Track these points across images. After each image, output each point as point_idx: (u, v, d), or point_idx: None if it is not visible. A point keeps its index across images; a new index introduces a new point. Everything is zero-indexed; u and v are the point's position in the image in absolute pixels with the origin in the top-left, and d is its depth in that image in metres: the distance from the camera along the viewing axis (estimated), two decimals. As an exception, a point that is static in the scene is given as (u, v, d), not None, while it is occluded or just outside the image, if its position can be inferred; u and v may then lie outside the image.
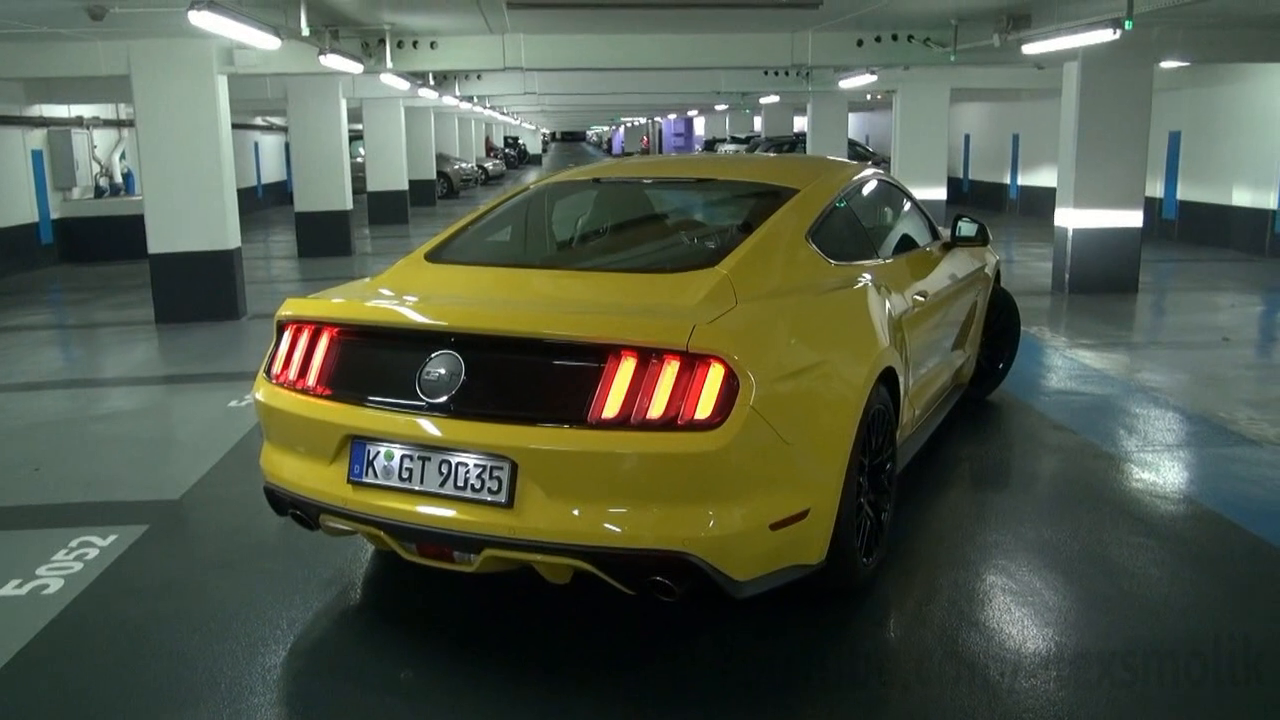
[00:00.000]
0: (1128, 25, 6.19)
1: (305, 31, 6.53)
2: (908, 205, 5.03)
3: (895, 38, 9.40)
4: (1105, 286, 9.96)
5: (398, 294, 3.47)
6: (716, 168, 4.68)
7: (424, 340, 3.08)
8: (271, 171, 25.35)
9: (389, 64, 8.79)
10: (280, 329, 3.44)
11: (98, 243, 14.31)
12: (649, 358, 2.84)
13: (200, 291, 9.17)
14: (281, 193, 24.77)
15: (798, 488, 3.07)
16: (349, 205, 14.44)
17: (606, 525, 2.84)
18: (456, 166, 27.62)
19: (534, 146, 58.36)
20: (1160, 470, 4.89)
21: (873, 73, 11.74)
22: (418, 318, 3.18)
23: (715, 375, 2.82)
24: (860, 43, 9.39)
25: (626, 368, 2.85)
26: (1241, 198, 13.67)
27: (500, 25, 8.54)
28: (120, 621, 3.55)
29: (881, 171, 4.78)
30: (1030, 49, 8.21)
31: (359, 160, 20.30)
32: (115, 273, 12.90)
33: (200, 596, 3.72)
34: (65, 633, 3.45)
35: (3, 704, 3.05)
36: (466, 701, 3.01)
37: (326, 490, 3.17)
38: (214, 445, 5.49)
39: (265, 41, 6.41)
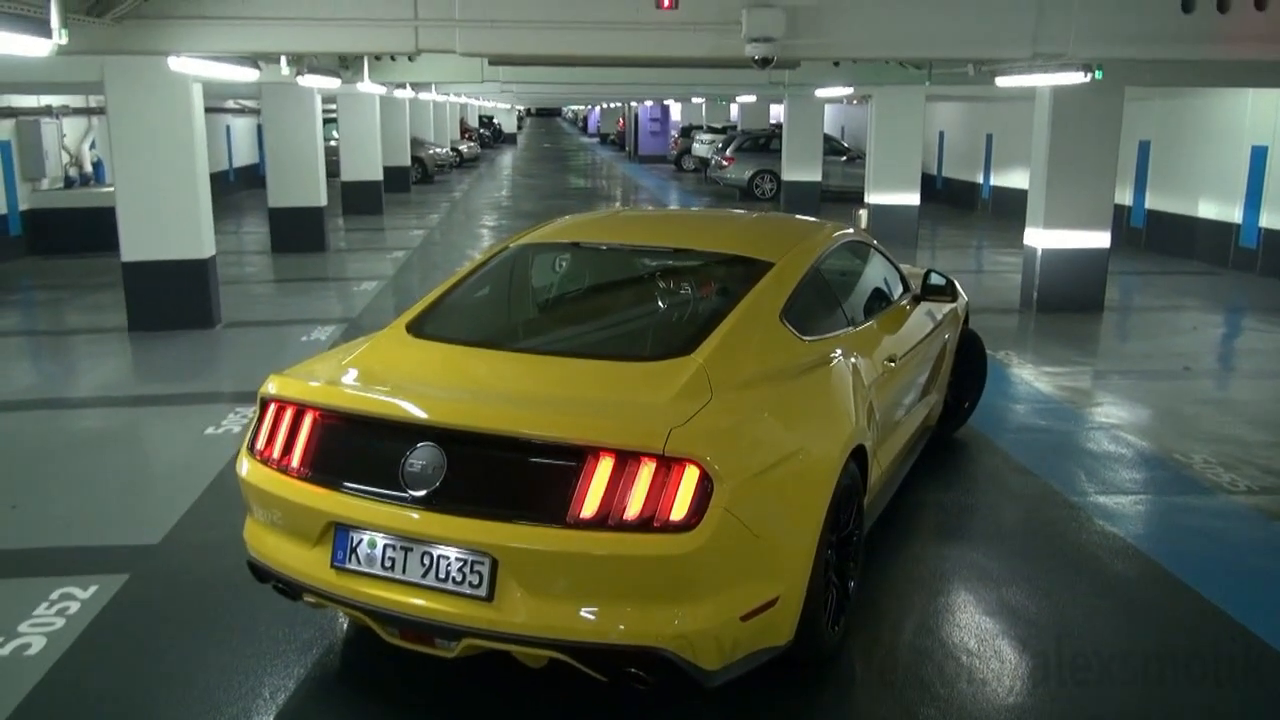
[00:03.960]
0: (1098, 74, 6.33)
1: (285, 70, 6.54)
2: (877, 260, 5.14)
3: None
4: (1072, 306, 10.16)
5: (381, 377, 3.54)
6: (693, 234, 4.75)
7: (408, 432, 3.16)
8: (244, 155, 25.07)
9: (366, 78, 8.76)
10: (263, 405, 3.50)
11: (67, 235, 14.14)
12: (626, 459, 2.94)
13: (174, 300, 9.14)
14: (253, 176, 24.51)
15: (768, 578, 3.18)
16: (323, 201, 14.37)
17: (582, 621, 2.95)
18: (431, 151, 27.43)
19: (509, 125, 57.96)
20: (1117, 521, 5.06)
21: (848, 84, 11.87)
22: (401, 408, 3.24)
23: (690, 477, 2.93)
24: (837, 63, 9.48)
25: (604, 468, 2.94)
26: (1208, 210, 13.93)
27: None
28: (105, 687, 3.62)
29: (851, 232, 4.88)
30: (1003, 82, 8.34)
31: (333, 144, 20.15)
32: (85, 268, 12.78)
33: (184, 659, 3.79)
34: (50, 699, 3.51)
35: (-10, 782, 3.13)
36: (445, 782, 3.12)
37: (310, 573, 3.25)
38: (191, 480, 5.53)
39: (245, 75, 6.41)
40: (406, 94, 15.07)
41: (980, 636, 3.95)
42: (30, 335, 9.81)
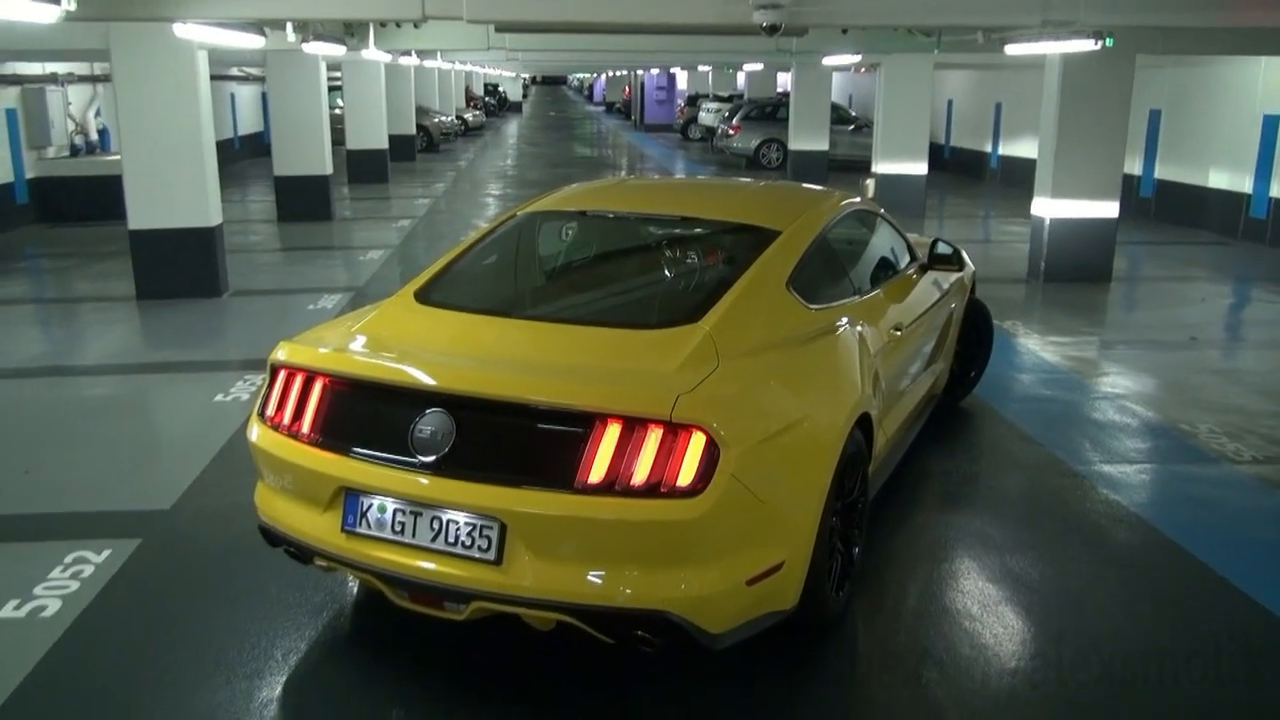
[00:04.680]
0: (1109, 42, 6.28)
1: (291, 37, 6.50)
2: (884, 230, 5.14)
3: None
4: (1079, 276, 10.13)
5: (389, 344, 3.56)
6: (700, 202, 4.76)
7: (417, 398, 3.19)
8: (248, 123, 24.99)
9: (371, 44, 8.72)
10: (273, 371, 3.52)
11: (74, 203, 14.16)
12: (634, 425, 2.97)
13: (182, 268, 9.17)
14: (258, 145, 24.46)
15: (773, 543, 3.21)
16: (329, 170, 14.35)
17: (590, 584, 2.98)
18: (437, 120, 27.32)
19: (515, 93, 57.66)
20: (1122, 490, 5.08)
21: (856, 51, 11.78)
22: (410, 374, 3.27)
23: (697, 444, 2.95)
24: (845, 31, 9.41)
25: (612, 434, 2.97)
26: (1218, 179, 13.84)
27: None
28: (120, 649, 3.68)
29: (858, 201, 4.88)
30: (1013, 49, 8.28)
31: (338, 112, 20.05)
32: (92, 236, 12.81)
33: (196, 621, 3.84)
34: (66, 660, 3.57)
35: (10, 740, 3.19)
36: (455, 742, 3.18)
37: (320, 537, 3.29)
38: (201, 446, 5.58)
39: (251, 42, 6.38)
40: (412, 62, 14.99)
41: (983, 603, 3.99)
42: (39, 303, 9.85)
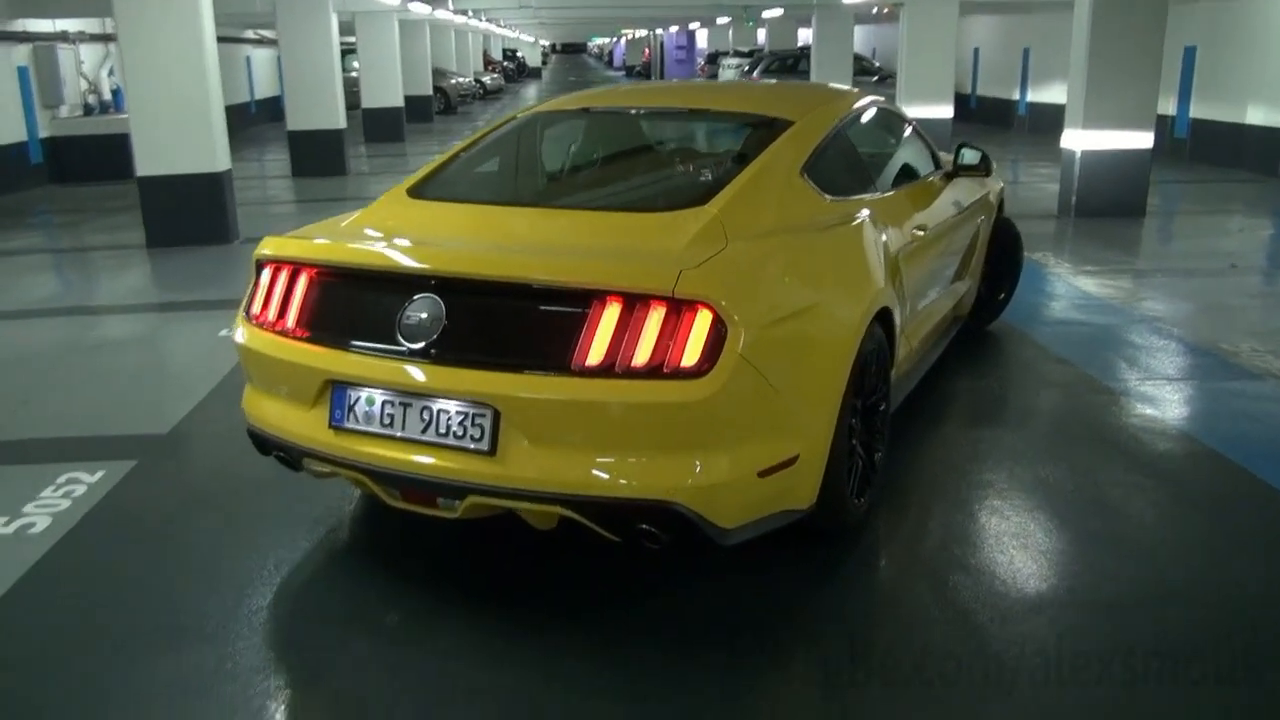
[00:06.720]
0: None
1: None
2: (908, 133, 4.87)
3: (903, -49, 9.06)
4: (1112, 210, 9.77)
5: (379, 234, 3.37)
6: (710, 97, 4.52)
7: (405, 283, 2.99)
8: (265, 86, 24.84)
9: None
10: (259, 268, 3.34)
11: (88, 162, 14.05)
12: (634, 303, 2.75)
13: (191, 215, 9.01)
14: (275, 108, 24.27)
15: (787, 434, 3.00)
16: (342, 123, 14.15)
17: (591, 474, 2.79)
18: (454, 82, 27.09)
19: (534, 59, 57.16)
20: (1160, 405, 4.82)
21: (879, -14, 11.43)
22: (398, 259, 3.08)
23: (702, 321, 2.73)
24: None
25: (611, 313, 2.76)
26: (1255, 116, 13.36)
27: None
28: (108, 561, 3.54)
29: (881, 99, 4.61)
30: (1042, -36, 7.92)
31: (353, 75, 19.84)
32: (106, 193, 12.70)
33: (188, 535, 3.70)
34: (52, 573, 3.43)
35: (-12, 648, 3.05)
36: (452, 645, 3.00)
37: (308, 435, 3.12)
38: (203, 377, 5.43)
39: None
40: (423, 9, 14.71)
41: (1015, 511, 3.76)
42: (50, 253, 9.76)
